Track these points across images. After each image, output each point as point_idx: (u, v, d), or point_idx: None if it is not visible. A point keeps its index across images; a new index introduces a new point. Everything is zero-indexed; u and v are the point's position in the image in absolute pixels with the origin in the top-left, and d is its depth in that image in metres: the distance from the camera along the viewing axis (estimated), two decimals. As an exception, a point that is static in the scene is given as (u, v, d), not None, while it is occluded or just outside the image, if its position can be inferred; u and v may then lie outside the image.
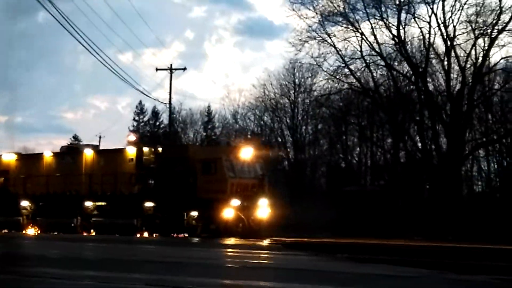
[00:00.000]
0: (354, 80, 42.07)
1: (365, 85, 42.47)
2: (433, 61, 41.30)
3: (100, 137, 60.81)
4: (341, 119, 48.45)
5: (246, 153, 30.30)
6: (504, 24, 37.78)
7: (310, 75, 50.60)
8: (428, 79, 40.79)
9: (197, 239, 28.40)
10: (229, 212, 28.43)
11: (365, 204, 36.72)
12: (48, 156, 35.40)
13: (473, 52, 38.71)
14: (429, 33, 39.41)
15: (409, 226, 35.95)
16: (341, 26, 40.67)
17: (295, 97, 53.66)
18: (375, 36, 40.19)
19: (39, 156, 36.29)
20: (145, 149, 32.32)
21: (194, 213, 29.67)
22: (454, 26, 38.65)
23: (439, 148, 40.78)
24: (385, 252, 21.68)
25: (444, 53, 39.71)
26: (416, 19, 39.75)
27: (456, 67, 39.68)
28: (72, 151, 36.33)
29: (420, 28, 39.70)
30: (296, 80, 53.12)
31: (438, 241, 28.09)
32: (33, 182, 35.10)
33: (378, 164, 50.09)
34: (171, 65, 50.85)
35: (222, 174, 28.94)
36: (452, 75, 40.04)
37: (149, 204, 30.87)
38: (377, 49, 40.59)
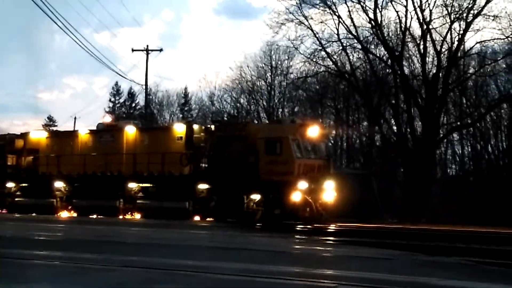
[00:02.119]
0: (331, 63, 42.21)
1: (341, 68, 42.53)
2: (409, 44, 41.53)
3: (75, 118, 60.40)
4: (318, 102, 48.58)
5: (313, 131, 27.87)
6: (479, 9, 38.06)
7: (287, 57, 50.70)
8: (404, 62, 41.01)
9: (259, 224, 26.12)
10: (297, 195, 26.01)
11: (340, 186, 36.97)
12: (83, 134, 32.71)
13: (448, 36, 38.96)
14: (406, 16, 39.62)
15: (383, 209, 36.30)
16: (318, 9, 40.70)
17: (272, 80, 53.71)
18: (352, 19, 40.29)
19: (74, 133, 33.70)
20: (195, 126, 30.09)
21: (255, 197, 27.17)
22: (430, 10, 38.86)
23: (414, 132, 41.09)
24: (358, 234, 21.88)
25: (420, 37, 39.92)
26: (393, 2, 39.90)
27: (432, 51, 39.95)
28: (111, 128, 33.01)
29: (397, 11, 39.89)
30: (273, 63, 53.16)
31: (411, 223, 28.39)
32: (67, 162, 32.15)
33: (353, 147, 50.38)
34: (147, 46, 50.64)
35: (289, 155, 26.46)
36: (427, 59, 40.32)
37: (202, 186, 28.32)
38: (354, 32, 40.71)
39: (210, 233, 22.13)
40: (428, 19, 38.92)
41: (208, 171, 28.29)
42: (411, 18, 39.55)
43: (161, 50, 51.14)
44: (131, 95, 69.93)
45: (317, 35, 41.05)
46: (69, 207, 32.25)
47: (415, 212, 34.66)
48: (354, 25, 40.35)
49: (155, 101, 65.54)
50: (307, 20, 40.80)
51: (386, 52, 41.24)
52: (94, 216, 30.41)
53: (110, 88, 71.51)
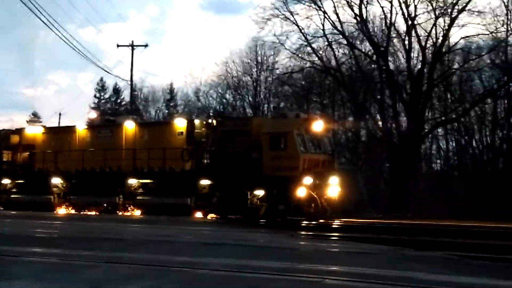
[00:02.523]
0: (316, 59, 42.28)
1: (327, 63, 42.59)
2: (394, 40, 41.66)
3: (60, 114, 60.02)
4: (303, 97, 48.57)
5: (317, 126, 27.48)
6: (464, 4, 38.25)
7: (272, 53, 50.53)
8: (389, 58, 41.14)
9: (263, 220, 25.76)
10: (301, 191, 25.61)
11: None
12: (81, 129, 32.20)
13: (433, 31, 39.14)
14: (391, 12, 39.71)
15: (369, 204, 36.41)
16: (304, 4, 40.73)
17: (258, 75, 53.67)
18: (337, 14, 40.33)
19: (71, 129, 32.99)
20: (196, 121, 29.44)
21: (259, 192, 26.69)
22: (415, 5, 38.99)
23: (399, 127, 41.23)
24: (346, 230, 21.99)
25: (405, 32, 40.05)
26: (378, -3, 39.91)
27: (417, 47, 40.10)
28: (110, 123, 32.65)
29: (382, 7, 39.98)
30: (259, 58, 53.10)
31: (398, 218, 28.52)
32: (64, 158, 31.66)
33: (339, 143, 50.44)
34: (132, 41, 50.44)
35: (294, 150, 26.08)
36: (412, 54, 40.47)
37: (204, 182, 27.81)
38: (339, 28, 40.76)
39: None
40: (413, 14, 39.10)
41: (211, 167, 27.90)
42: (396, 13, 39.71)
43: (146, 45, 51.03)
44: (117, 91, 69.68)
45: (302, 31, 41.18)
46: (67, 204, 31.82)
47: (401, 207, 34.83)
48: (339, 20, 40.49)
49: (141, 97, 65.35)
50: (292, 16, 40.91)
51: (371, 48, 41.34)
52: (93, 213, 30.16)
53: (95, 84, 71.17)
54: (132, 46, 49.93)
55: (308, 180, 25.74)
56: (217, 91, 56.95)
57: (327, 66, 42.61)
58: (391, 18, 39.85)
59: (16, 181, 33.47)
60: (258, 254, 13.40)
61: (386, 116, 41.66)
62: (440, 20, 38.86)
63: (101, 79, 70.06)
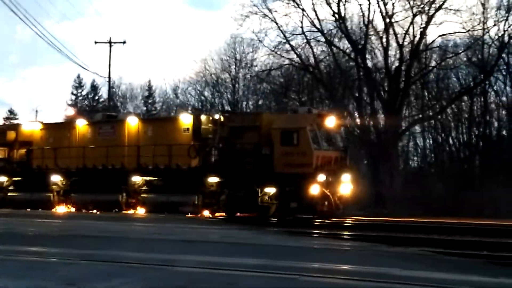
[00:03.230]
0: (295, 56, 42.35)
1: (305, 61, 42.72)
2: (372, 38, 41.87)
3: (36, 111, 59.61)
4: (282, 94, 48.68)
5: (330, 121, 26.85)
6: (441, 2, 38.53)
7: (251, 50, 50.65)
8: (367, 55, 41.34)
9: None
10: (315, 188, 24.93)
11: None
12: (81, 126, 31.20)
13: (411, 29, 39.35)
14: (369, 10, 39.89)
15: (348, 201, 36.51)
16: (282, 2, 40.82)
17: (236, 72, 53.73)
18: (315, 12, 40.47)
19: (70, 125, 32.05)
20: (203, 117, 28.45)
21: (270, 190, 26.02)
22: (393, 4, 39.21)
23: (377, 124, 41.50)
24: (322, 227, 22.12)
25: (383, 30, 40.32)
26: (356, -5, 40.15)
27: (394, 44, 40.30)
28: (111, 119, 31.75)
29: (360, 4, 40.14)
30: (237, 55, 53.17)
31: (374, 215, 28.71)
32: (64, 155, 30.69)
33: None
34: (110, 38, 50.18)
35: (307, 146, 25.33)
36: (390, 52, 40.69)
37: (212, 179, 27.02)
38: (317, 26, 40.92)
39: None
40: (390, 12, 39.34)
41: (219, 164, 27.10)
42: (374, 11, 39.95)
43: (124, 42, 50.70)
44: (94, 87, 69.36)
45: (281, 28, 41.30)
46: (67, 202, 30.96)
47: (378, 204, 35.05)
48: (318, 18, 40.65)
49: (119, 94, 65.18)
50: (271, 13, 40.99)
51: (349, 45, 41.54)
52: (94, 211, 29.37)
53: (72, 80, 70.72)
54: (110, 42, 49.69)
55: (321, 177, 25.16)
56: (196, 88, 57.02)
57: (306, 63, 42.75)
58: (369, 16, 40.13)
59: (13, 179, 32.60)
60: (238, 250, 13.45)
61: (364, 113, 41.91)
62: (418, 18, 39.19)
63: (78, 76, 69.76)
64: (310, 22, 40.80)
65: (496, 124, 44.55)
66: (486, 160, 41.71)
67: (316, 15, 40.45)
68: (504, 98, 42.83)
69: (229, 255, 12.44)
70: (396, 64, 40.34)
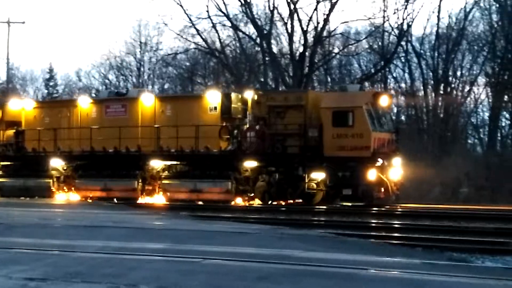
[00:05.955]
0: (201, 40, 42.33)
1: (211, 45, 42.77)
2: (278, 23, 42.37)
3: None
4: (188, 79, 48.50)
5: (384, 101, 24.87)
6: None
7: (157, 33, 50.10)
8: (272, 41, 41.86)
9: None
10: (372, 173, 23.10)
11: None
12: (85, 104, 28.00)
13: (314, 16, 40.11)
14: (274, -5, 40.26)
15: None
16: (189, -15, 40.54)
17: (141, 56, 52.99)
18: (221, -4, 40.44)
19: (71, 103, 29.09)
20: (233, 95, 25.67)
21: (317, 176, 24.11)
22: (298, -10, 39.72)
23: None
24: (229, 211, 22.11)
25: (288, 16, 40.82)
26: (261, -19, 40.43)
27: (299, 30, 41.02)
28: (121, 97, 28.08)
29: (265, -10, 40.41)
30: (143, 38, 52.40)
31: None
32: (66, 137, 27.58)
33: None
34: (8, 18, 48.40)
35: (365, 127, 23.33)
36: (295, 38, 41.37)
37: (248, 163, 24.37)
38: (223, 10, 40.98)
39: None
40: (295, -1, 39.84)
41: (256, 147, 24.39)
42: (279, -3, 40.35)
43: (23, 22, 49.10)
44: (-8, 69, 66.53)
45: (187, 12, 41.05)
46: (69, 189, 27.84)
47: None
48: (224, 2, 40.84)
49: (18, 76, 62.85)
50: (177, -4, 40.63)
51: (255, 30, 41.86)
52: (103, 200, 26.12)
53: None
54: (9, 22, 47.92)
55: (379, 161, 23.49)
56: (100, 71, 55.80)
57: (212, 48, 42.78)
58: (274, 1, 40.55)
59: (2, 163, 29.07)
60: (135, 235, 13.33)
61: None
62: (321, 5, 39.95)
63: (-25, 57, 66.73)
64: (216, 7, 40.94)
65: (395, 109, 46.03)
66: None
67: (222, -1, 40.49)
68: (403, 85, 44.44)
69: (131, 240, 12.27)
70: (301, 50, 41.04)
